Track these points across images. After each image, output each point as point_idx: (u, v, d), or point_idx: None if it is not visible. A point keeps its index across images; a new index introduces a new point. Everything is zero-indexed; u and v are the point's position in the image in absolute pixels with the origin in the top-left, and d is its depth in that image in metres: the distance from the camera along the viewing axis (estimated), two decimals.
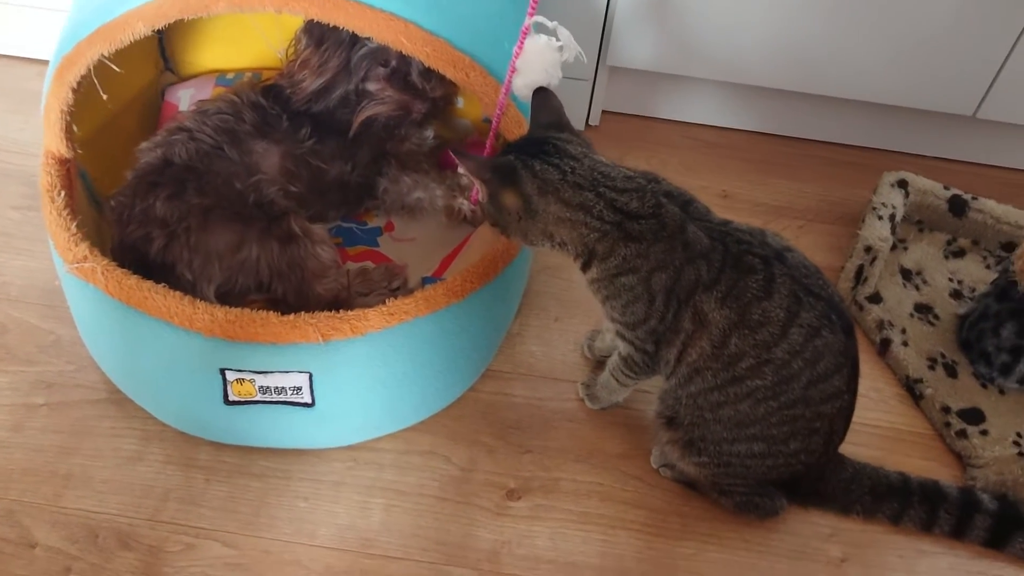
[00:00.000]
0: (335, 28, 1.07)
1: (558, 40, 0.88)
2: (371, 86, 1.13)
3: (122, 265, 0.92)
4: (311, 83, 1.12)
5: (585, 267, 0.91)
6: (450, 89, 1.17)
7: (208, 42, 1.31)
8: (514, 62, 0.91)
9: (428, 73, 1.12)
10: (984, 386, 1.13)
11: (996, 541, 0.98)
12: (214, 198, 1.05)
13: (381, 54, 1.11)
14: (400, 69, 1.13)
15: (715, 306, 0.86)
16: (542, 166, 0.86)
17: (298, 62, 1.12)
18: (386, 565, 0.94)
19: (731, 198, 1.38)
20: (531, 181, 0.86)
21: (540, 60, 0.89)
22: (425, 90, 1.14)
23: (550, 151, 0.87)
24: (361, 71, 1.12)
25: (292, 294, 1.07)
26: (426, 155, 1.23)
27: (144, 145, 1.10)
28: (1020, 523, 0.97)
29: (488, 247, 1.01)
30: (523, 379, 1.11)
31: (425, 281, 1.14)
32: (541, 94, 0.92)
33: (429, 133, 1.23)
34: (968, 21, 1.24)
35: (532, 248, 0.92)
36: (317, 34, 1.10)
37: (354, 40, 1.10)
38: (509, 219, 0.89)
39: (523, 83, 0.91)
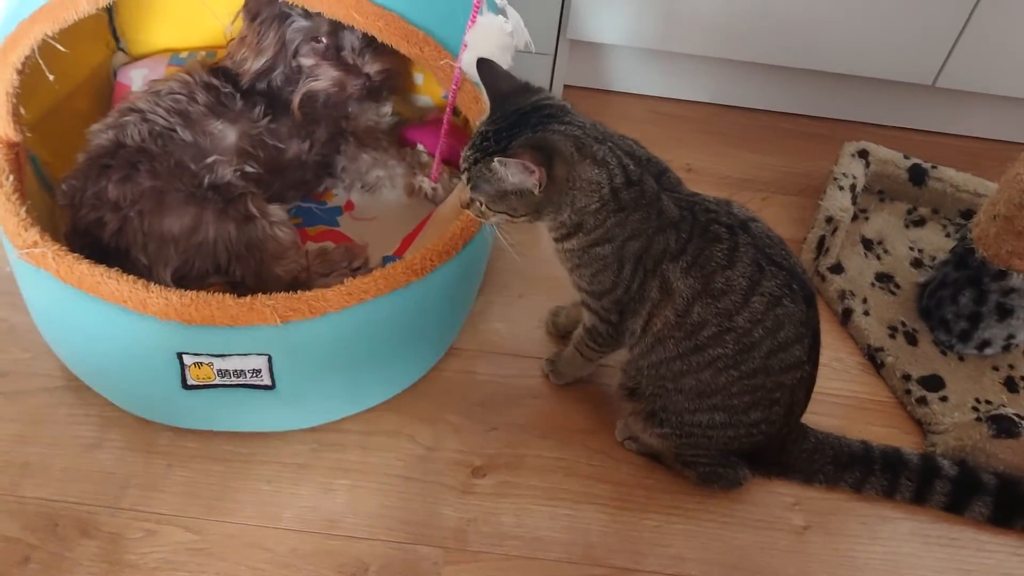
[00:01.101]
0: (270, 3, 1.05)
1: (507, 21, 0.86)
2: (305, 61, 1.11)
3: (75, 250, 0.90)
4: (252, 62, 1.10)
5: (564, 238, 0.90)
6: (389, 65, 1.14)
7: (160, 21, 1.28)
8: (466, 36, 0.90)
9: (364, 49, 1.10)
10: (944, 353, 1.15)
11: (955, 506, 0.99)
12: (168, 180, 1.03)
13: (313, 29, 1.09)
14: (331, 45, 1.11)
15: (680, 275, 0.86)
16: (559, 125, 0.84)
17: (237, 40, 1.10)
18: (351, 545, 0.93)
19: (695, 171, 1.38)
20: (566, 143, 0.83)
21: (490, 38, 0.87)
22: (358, 66, 1.11)
23: (552, 113, 0.85)
24: (293, 46, 1.10)
25: (251, 276, 1.06)
26: (385, 132, 1.22)
27: (95, 127, 1.08)
28: (978, 488, 0.99)
29: (449, 224, 1.00)
30: (487, 357, 1.11)
31: (386, 260, 1.13)
32: (486, 64, 0.89)
33: (387, 109, 1.22)
34: None
35: (514, 223, 0.90)
36: (253, 10, 1.08)
37: (285, 15, 1.08)
38: (529, 198, 0.85)
39: (470, 59, 0.90)
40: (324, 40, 1.10)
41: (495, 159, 0.82)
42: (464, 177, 0.88)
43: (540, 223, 0.90)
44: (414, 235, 1.15)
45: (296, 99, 1.12)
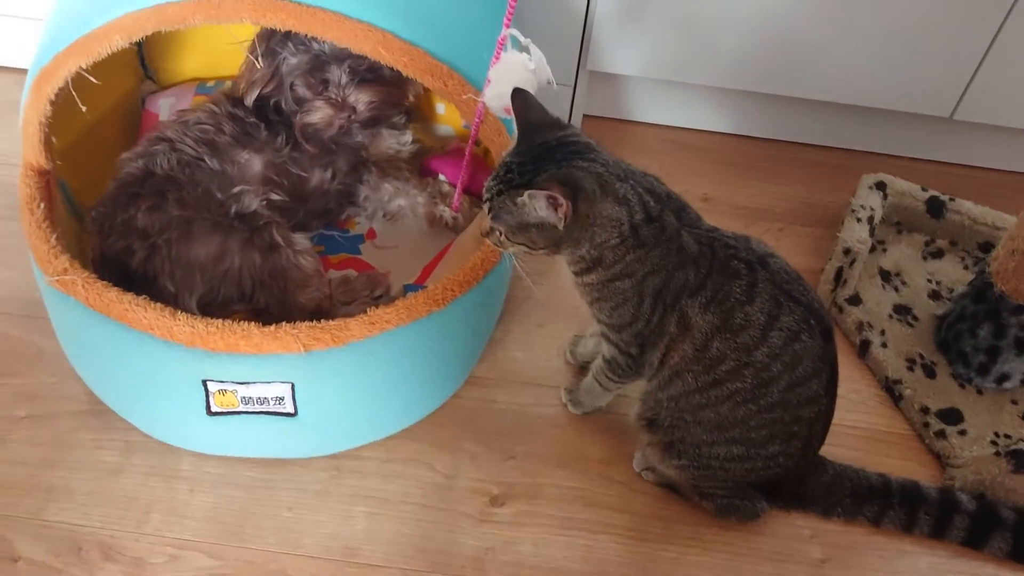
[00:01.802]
0: (271, 37, 1.08)
1: (531, 58, 0.88)
2: (302, 92, 1.13)
3: (103, 277, 0.92)
4: (247, 93, 1.12)
5: (584, 272, 0.91)
6: (377, 98, 1.14)
7: (188, 50, 1.31)
8: (490, 71, 0.91)
9: (349, 84, 1.12)
10: (962, 386, 1.14)
11: (975, 541, 0.99)
12: (195, 209, 1.05)
13: (301, 66, 1.11)
14: (319, 80, 1.12)
15: (699, 311, 0.87)
16: (583, 162, 0.85)
17: (239, 71, 1.13)
18: (370, 573, 0.94)
19: (712, 201, 1.39)
20: (584, 180, 0.84)
21: (514, 74, 0.89)
22: (342, 103, 1.12)
23: (577, 149, 0.86)
24: (289, 81, 1.12)
25: (275, 304, 1.07)
26: (406, 161, 1.24)
27: (125, 155, 1.10)
28: (998, 523, 0.98)
29: (469, 254, 1.01)
30: (506, 385, 1.12)
31: (407, 289, 1.14)
32: (520, 95, 0.89)
33: (408, 138, 1.23)
34: (944, 24, 1.25)
35: (532, 255, 0.90)
36: (255, 44, 1.11)
37: (277, 52, 1.10)
38: (549, 232, 0.86)
39: (494, 94, 0.91)
40: (323, 74, 1.11)
41: (524, 193, 0.82)
42: (486, 207, 0.89)
43: (559, 256, 0.91)
44: (435, 263, 1.16)
45: (297, 127, 1.14)
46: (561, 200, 0.81)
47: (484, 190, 0.89)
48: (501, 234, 0.88)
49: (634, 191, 0.86)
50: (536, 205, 0.83)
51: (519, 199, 0.83)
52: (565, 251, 0.88)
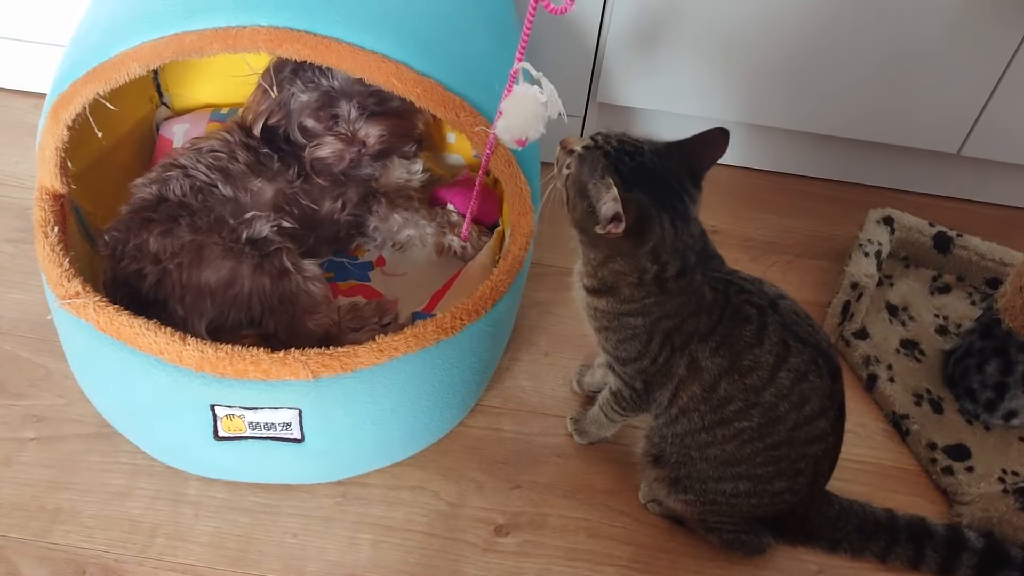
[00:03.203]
0: (281, 69, 1.10)
1: (542, 92, 0.89)
2: (311, 125, 1.14)
3: (114, 300, 0.93)
4: (254, 123, 1.14)
5: (596, 294, 0.91)
6: (387, 131, 1.15)
7: (203, 77, 1.33)
8: (502, 104, 0.92)
9: (359, 118, 1.13)
10: (970, 422, 1.14)
11: None
12: (207, 234, 1.06)
13: (311, 103, 1.12)
14: (329, 116, 1.13)
15: (709, 354, 0.88)
16: (669, 225, 0.84)
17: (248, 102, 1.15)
18: None
19: (720, 233, 1.39)
20: (653, 235, 0.84)
21: (526, 107, 0.90)
22: (353, 137, 1.13)
23: (680, 210, 0.85)
24: (298, 117, 1.13)
25: (284, 329, 1.08)
26: (416, 190, 1.25)
27: (139, 181, 1.11)
28: (1006, 562, 0.97)
29: (478, 282, 1.02)
30: (512, 414, 1.12)
31: (416, 316, 1.14)
32: (722, 135, 0.86)
33: (418, 167, 1.24)
34: (953, 60, 1.26)
35: (564, 210, 0.88)
36: (266, 75, 1.12)
37: (286, 87, 1.12)
38: (590, 218, 0.85)
39: (504, 126, 0.92)
40: (331, 108, 1.13)
41: (610, 179, 0.80)
42: (588, 142, 0.86)
43: (577, 248, 0.91)
44: (443, 291, 1.17)
45: (307, 160, 1.15)
46: (620, 224, 0.81)
47: (602, 134, 0.87)
48: (569, 167, 0.87)
49: (675, 262, 0.86)
50: (604, 197, 0.82)
51: (607, 181, 0.80)
52: (582, 241, 0.89)
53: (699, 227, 0.89)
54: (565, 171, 0.87)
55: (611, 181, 0.80)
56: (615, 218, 0.82)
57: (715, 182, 1.46)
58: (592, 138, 0.87)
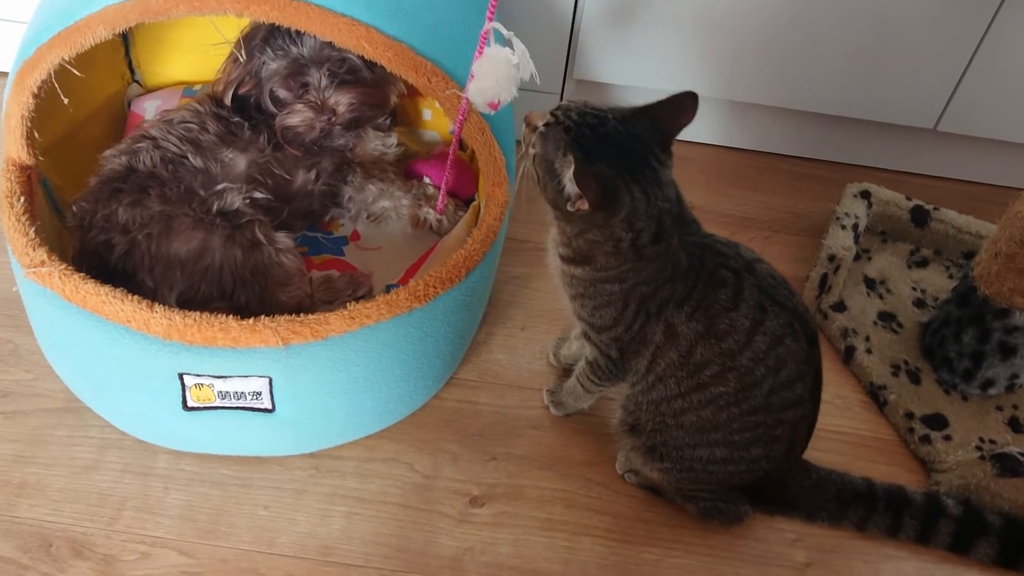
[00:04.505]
0: (252, 38, 1.09)
1: (514, 53, 0.88)
2: (282, 94, 1.13)
3: (83, 271, 0.91)
4: (225, 92, 1.12)
5: (572, 263, 0.90)
6: (356, 99, 1.13)
7: (175, 53, 1.31)
8: (473, 66, 0.92)
9: (329, 86, 1.11)
10: (947, 392, 1.14)
11: (960, 546, 0.98)
12: (177, 205, 1.04)
13: (281, 70, 1.11)
14: (299, 84, 1.12)
15: (684, 320, 0.87)
16: (640, 193, 0.83)
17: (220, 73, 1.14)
18: (346, 573, 0.93)
19: (699, 210, 1.35)
20: (624, 205, 0.82)
21: (497, 69, 0.89)
22: (323, 103, 1.12)
23: (650, 176, 0.84)
24: (268, 85, 1.12)
25: (255, 302, 1.06)
26: (392, 163, 1.24)
27: (108, 152, 1.10)
28: (984, 528, 0.97)
29: (453, 255, 1.01)
30: (489, 387, 1.11)
31: (389, 289, 1.13)
32: (692, 98, 0.85)
33: (393, 140, 1.23)
34: (927, 34, 1.26)
35: (537, 189, 0.87)
36: (237, 45, 1.11)
37: (257, 55, 1.10)
38: (559, 196, 0.84)
39: (476, 89, 0.91)
40: (302, 77, 1.11)
41: (572, 156, 0.79)
42: (549, 117, 0.85)
43: (556, 230, 0.90)
44: (418, 265, 1.16)
45: (277, 129, 1.13)
46: (584, 196, 0.80)
47: (562, 107, 0.85)
48: (534, 146, 0.85)
49: (651, 227, 0.85)
50: (567, 180, 0.81)
51: (568, 159, 0.79)
52: (558, 217, 0.87)
53: (675, 190, 0.88)
54: (532, 150, 0.86)
55: (571, 159, 0.79)
56: (580, 196, 0.81)
57: (693, 160, 1.48)
58: (552, 113, 0.85)
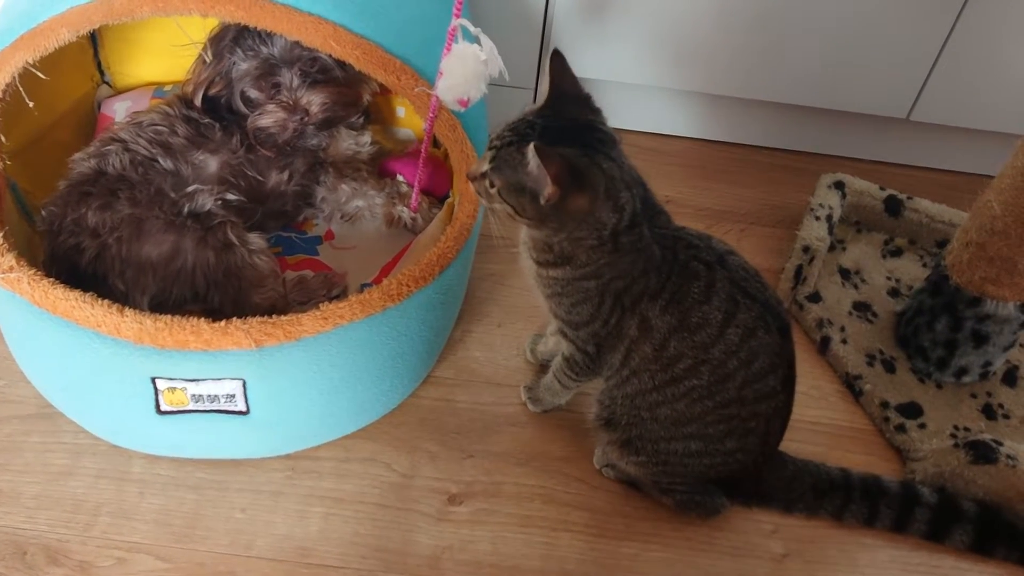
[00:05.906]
0: (221, 40, 1.08)
1: (482, 50, 0.88)
2: (254, 95, 1.12)
3: (54, 276, 0.90)
4: (195, 93, 1.11)
5: (550, 265, 0.89)
6: (329, 99, 1.13)
7: (145, 54, 1.30)
8: (442, 63, 0.91)
9: (301, 86, 1.11)
10: (922, 381, 1.15)
11: (936, 534, 0.99)
12: (147, 208, 1.04)
13: (251, 71, 1.10)
14: (270, 84, 1.11)
15: (658, 313, 0.87)
16: (606, 161, 0.82)
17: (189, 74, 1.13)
18: (324, 574, 0.92)
19: (674, 203, 1.39)
20: (598, 176, 0.81)
21: (466, 66, 0.88)
22: (295, 105, 1.11)
23: (605, 141, 0.83)
24: (239, 86, 1.11)
25: (229, 304, 1.06)
26: (365, 162, 1.23)
27: (77, 155, 1.09)
28: (959, 515, 0.98)
29: (428, 253, 1.00)
30: (466, 385, 1.11)
31: (364, 288, 1.12)
32: (559, 59, 0.86)
33: (366, 139, 1.23)
34: (898, 25, 1.27)
35: (516, 221, 0.86)
36: (207, 46, 1.10)
37: (227, 56, 1.09)
38: (538, 205, 0.82)
39: (445, 86, 0.91)
40: (273, 77, 1.10)
41: (532, 145, 0.77)
42: (489, 154, 0.85)
43: (532, 237, 0.89)
44: (393, 264, 1.15)
45: (249, 129, 1.12)
46: (554, 182, 0.79)
47: (494, 137, 0.85)
48: (493, 186, 0.84)
49: (632, 201, 0.85)
50: (533, 167, 0.79)
51: (529, 152, 0.78)
52: (546, 230, 0.86)
53: (633, 168, 0.87)
54: (492, 190, 0.85)
55: (530, 145, 0.78)
56: (546, 180, 0.79)
57: (668, 153, 1.48)
58: (490, 148, 0.85)
